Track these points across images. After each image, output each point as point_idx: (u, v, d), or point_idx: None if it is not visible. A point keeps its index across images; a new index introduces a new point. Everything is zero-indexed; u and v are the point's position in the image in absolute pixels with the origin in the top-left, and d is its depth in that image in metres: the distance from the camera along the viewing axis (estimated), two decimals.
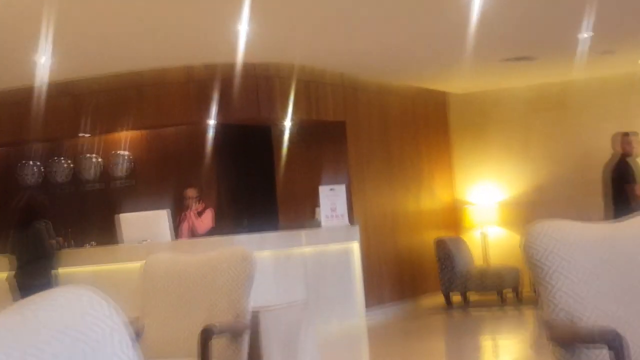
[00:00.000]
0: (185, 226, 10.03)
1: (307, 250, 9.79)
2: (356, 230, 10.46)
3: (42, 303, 1.49)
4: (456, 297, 12.06)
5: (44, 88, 9.94)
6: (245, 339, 4.99)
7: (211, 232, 9.90)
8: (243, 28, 8.24)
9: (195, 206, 10.06)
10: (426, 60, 11.05)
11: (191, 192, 10.04)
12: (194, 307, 5.09)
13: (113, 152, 11.56)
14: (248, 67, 9.82)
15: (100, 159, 11.66)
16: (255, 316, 5.21)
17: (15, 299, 8.05)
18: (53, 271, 8.97)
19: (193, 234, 9.91)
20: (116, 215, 9.39)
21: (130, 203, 10.43)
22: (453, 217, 13.14)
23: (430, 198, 12.79)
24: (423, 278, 12.36)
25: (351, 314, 10.27)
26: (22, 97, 10.53)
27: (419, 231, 12.43)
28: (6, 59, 9.21)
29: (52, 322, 1.45)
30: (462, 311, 11.77)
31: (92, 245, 10.05)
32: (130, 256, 8.51)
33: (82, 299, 1.53)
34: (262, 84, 10.33)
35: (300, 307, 6.35)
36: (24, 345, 1.39)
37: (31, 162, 11.98)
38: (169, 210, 9.25)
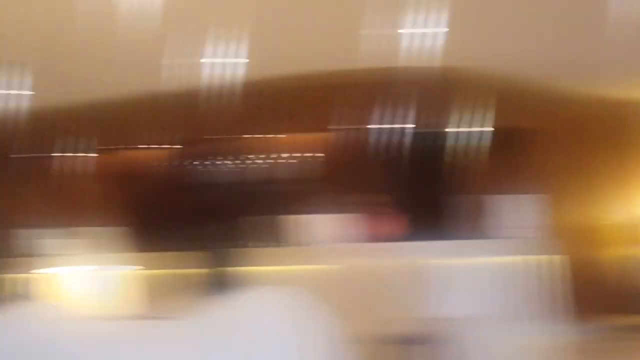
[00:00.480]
0: (365, 232, 9.83)
1: (503, 260, 9.49)
2: (557, 242, 10.05)
3: (247, 302, 1.33)
4: None
5: (224, 87, 9.98)
6: (437, 348, 4.74)
7: (393, 238, 9.67)
8: (429, 30, 7.96)
9: (373, 212, 9.84)
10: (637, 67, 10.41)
11: (371, 212, 9.73)
12: (373, 312, 4.88)
13: (294, 153, 11.55)
14: (437, 71, 9.57)
15: (281, 160, 11.66)
16: (446, 325, 4.93)
17: (204, 295, 8.06)
18: (239, 270, 8.97)
19: (375, 239, 9.70)
20: (300, 216, 9.33)
21: (309, 205, 10.36)
22: None
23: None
24: (631, 297, 11.71)
25: (550, 330, 9.85)
26: (199, 96, 10.61)
27: (626, 246, 11.81)
28: (178, 58, 9.31)
29: (258, 320, 1.29)
30: None
31: (274, 245, 10.03)
32: (314, 258, 8.41)
33: (282, 300, 1.37)
34: (450, 88, 10.06)
35: (497, 319, 6.00)
36: (228, 340, 1.25)
37: (216, 160, 12.10)
38: (351, 215, 9.11)
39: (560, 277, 10.17)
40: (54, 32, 7.98)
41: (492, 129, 10.58)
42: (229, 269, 8.83)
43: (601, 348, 10.04)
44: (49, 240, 11.38)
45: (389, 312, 4.79)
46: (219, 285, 8.65)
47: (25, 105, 9.94)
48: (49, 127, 11.65)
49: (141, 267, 9.50)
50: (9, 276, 10.82)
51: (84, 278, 4.53)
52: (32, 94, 9.56)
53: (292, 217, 9.88)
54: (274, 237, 10.42)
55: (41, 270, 9.01)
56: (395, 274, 4.99)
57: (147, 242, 12.16)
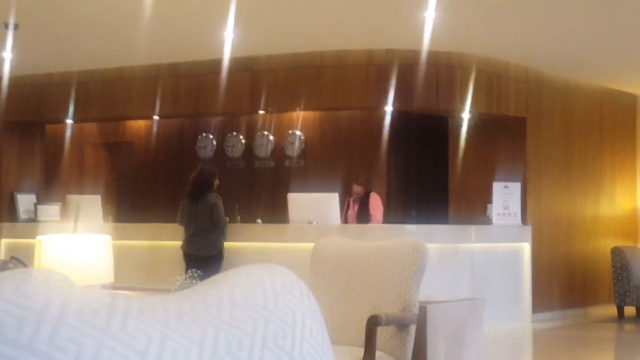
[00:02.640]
0: (351, 212, 9.89)
1: (476, 246, 9.53)
2: (528, 230, 10.12)
3: (237, 280, 1.37)
4: (629, 310, 11.43)
5: (224, 63, 10.01)
6: (412, 332, 4.82)
7: (381, 219, 9.73)
8: (429, 14, 7.99)
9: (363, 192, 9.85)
10: (618, 59, 10.49)
11: (357, 189, 9.74)
12: (361, 294, 4.94)
13: (287, 131, 11.59)
14: (430, 55, 9.58)
15: (272, 137, 11.72)
16: (423, 309, 5.01)
17: (183, 268, 8.13)
18: (222, 244, 9.03)
19: (360, 219, 9.75)
20: (286, 194, 9.38)
21: (299, 183, 10.41)
22: (633, 226, 12.48)
23: (610, 204, 12.18)
24: (595, 287, 11.79)
25: (517, 317, 9.93)
26: (202, 70, 10.68)
27: (595, 238, 11.86)
28: (189, 32, 9.32)
29: (246, 300, 1.33)
30: (635, 325, 11.14)
31: (259, 222, 10.08)
32: (298, 236, 8.47)
33: (276, 279, 1.40)
34: (442, 72, 10.06)
35: (469, 303, 6.08)
36: (219, 321, 1.27)
37: (207, 135, 12.18)
38: (337, 194, 9.16)
39: (534, 265, 10.27)
40: None
41: (482, 114, 10.63)
42: (212, 242, 8.94)
43: (566, 336, 10.19)
44: (36, 205, 11.40)
45: (370, 293, 4.87)
46: (195, 258, 8.76)
47: (11, 69, 9.91)
48: (36, 93, 11.66)
49: (120, 237, 9.54)
50: (4, 241, 10.84)
51: (68, 245, 4.57)
52: (18, 58, 9.55)
53: (278, 194, 9.93)
54: (258, 214, 10.47)
55: (31, 236, 9.03)
56: (376, 254, 5.06)
57: (130, 212, 12.22)
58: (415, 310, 4.82)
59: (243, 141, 11.97)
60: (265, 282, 1.36)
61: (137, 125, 12.79)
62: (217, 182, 9.17)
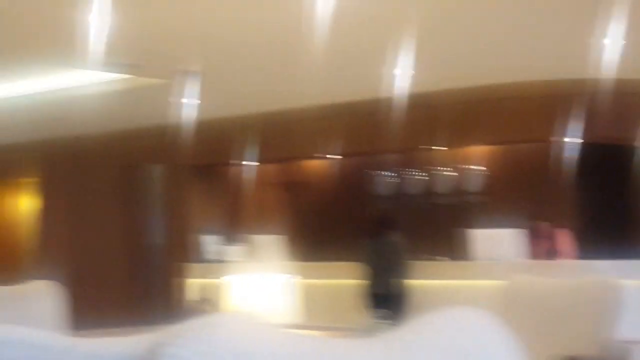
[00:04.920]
0: (538, 248, 9.57)
1: None
2: None
3: (439, 323, 1.30)
4: None
5: (400, 99, 9.97)
6: None
7: (570, 256, 9.38)
8: (615, 42, 7.68)
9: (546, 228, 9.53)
10: None
11: (543, 225, 9.41)
12: (555, 333, 4.73)
13: (467, 166, 11.40)
14: (617, 84, 9.20)
15: (452, 173, 11.55)
16: (625, 349, 4.74)
17: (367, 307, 8.09)
18: (406, 282, 8.94)
19: (547, 256, 9.43)
20: (468, 230, 9.19)
21: (482, 219, 10.18)
22: None
23: None
24: None
25: None
26: (376, 108, 10.66)
27: None
28: (362, 71, 9.35)
29: (453, 345, 1.25)
30: None
31: (441, 259, 9.92)
32: (483, 274, 8.26)
33: (479, 322, 1.32)
34: (630, 101, 9.65)
35: None
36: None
37: (383, 172, 12.14)
38: (524, 230, 8.89)
39: None
40: (228, 42, 8.19)
41: None
42: (396, 281, 8.85)
43: None
44: (220, 246, 11.68)
45: (564, 333, 4.64)
46: (382, 297, 8.69)
47: (196, 114, 10.23)
48: (218, 136, 11.99)
49: (303, 276, 9.59)
50: (191, 281, 11.16)
51: (253, 285, 4.61)
52: (201, 103, 9.83)
53: (460, 230, 9.75)
54: (440, 251, 10.31)
55: (218, 277, 9.24)
56: (569, 293, 4.84)
57: (311, 251, 12.31)
58: (615, 350, 4.59)
59: (422, 178, 11.86)
60: (469, 326, 1.30)
61: (315, 164, 12.92)
62: (397, 220, 9.12)
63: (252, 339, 1.11)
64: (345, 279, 9.81)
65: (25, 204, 14.88)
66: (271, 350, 1.11)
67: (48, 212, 14.14)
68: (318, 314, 8.69)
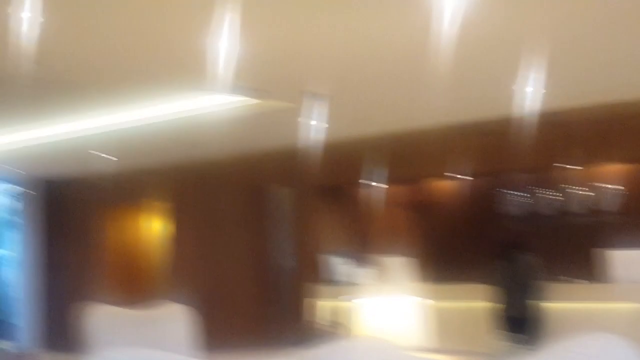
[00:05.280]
0: None
1: None
2: None
3: (576, 349, 1.22)
4: None
5: (531, 117, 9.75)
6: None
7: None
8: None
9: None
10: None
11: None
12: None
13: (603, 184, 11.06)
14: None
15: (589, 192, 11.22)
16: None
17: (500, 330, 7.90)
18: (541, 305, 8.72)
19: None
20: (605, 251, 8.89)
21: (619, 239, 9.84)
22: None
23: None
24: None
25: None
26: (507, 127, 10.45)
27: None
28: (492, 89, 9.18)
29: None
30: None
31: (578, 281, 9.61)
32: (623, 296, 7.96)
33: (615, 349, 1.24)
34: None
35: None
36: None
37: (515, 192, 11.89)
38: None
39: None
40: (354, 63, 8.17)
41: None
42: (531, 303, 8.62)
43: None
44: (349, 267, 11.66)
45: None
46: (516, 320, 8.48)
47: (324, 136, 10.25)
48: (346, 157, 12.00)
49: (434, 298, 9.46)
50: (321, 303, 11.20)
51: (383, 308, 4.53)
52: (329, 126, 9.85)
53: (596, 251, 9.44)
54: (576, 273, 10.02)
55: (347, 299, 9.20)
56: None
57: (442, 273, 12.14)
58: None
59: (556, 197, 11.56)
60: (607, 354, 1.21)
61: (445, 184, 12.76)
62: (530, 240, 8.90)
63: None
64: (477, 301, 9.62)
65: (158, 227, 15.22)
66: None
67: (179, 235, 14.44)
68: (449, 337, 8.55)
